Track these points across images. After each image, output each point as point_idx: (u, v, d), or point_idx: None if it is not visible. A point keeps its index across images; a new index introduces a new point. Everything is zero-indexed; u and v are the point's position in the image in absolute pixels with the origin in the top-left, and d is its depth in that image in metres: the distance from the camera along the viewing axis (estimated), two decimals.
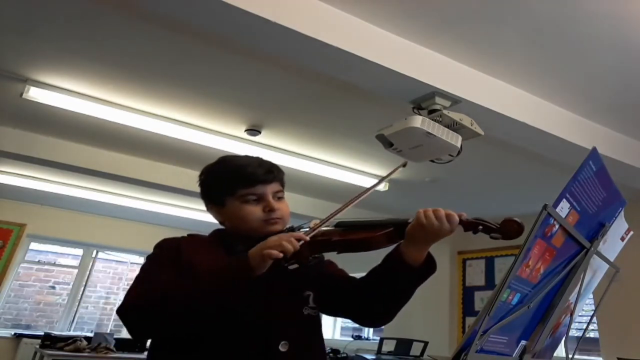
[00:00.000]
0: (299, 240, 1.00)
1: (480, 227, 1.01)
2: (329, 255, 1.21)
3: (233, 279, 0.99)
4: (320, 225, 1.09)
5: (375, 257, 1.15)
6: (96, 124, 3.42)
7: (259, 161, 1.22)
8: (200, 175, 1.25)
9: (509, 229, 0.97)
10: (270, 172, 1.20)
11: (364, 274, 1.20)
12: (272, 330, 1.07)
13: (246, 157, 1.24)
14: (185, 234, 1.25)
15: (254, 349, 1.04)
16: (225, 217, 1.20)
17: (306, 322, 1.15)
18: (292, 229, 1.19)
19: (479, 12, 2.03)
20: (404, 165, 1.30)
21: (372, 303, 1.17)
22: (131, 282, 1.09)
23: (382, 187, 4.24)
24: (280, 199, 1.21)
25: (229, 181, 1.18)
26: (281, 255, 0.97)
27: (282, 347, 1.06)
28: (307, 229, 1.14)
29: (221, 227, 1.25)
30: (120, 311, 1.01)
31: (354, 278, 1.25)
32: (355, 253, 1.11)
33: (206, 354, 1.02)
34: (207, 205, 1.24)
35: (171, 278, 1.05)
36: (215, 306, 0.99)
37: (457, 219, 1.04)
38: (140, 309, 1.00)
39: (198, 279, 1.01)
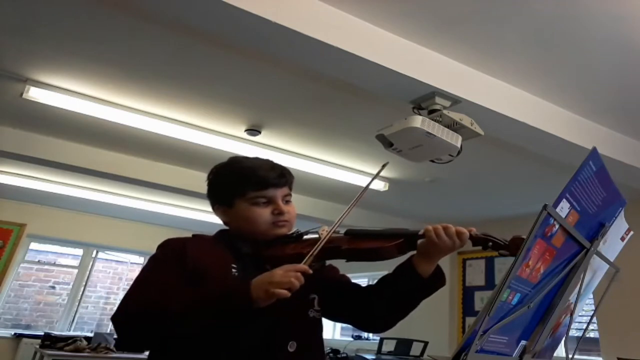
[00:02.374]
0: (304, 273, 0.98)
1: (490, 243, 1.02)
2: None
3: (233, 310, 0.98)
4: (324, 239, 1.08)
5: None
6: (96, 124, 3.42)
7: (270, 164, 1.22)
8: (209, 175, 1.25)
9: (517, 246, 0.96)
10: (283, 176, 1.21)
11: (361, 274, 1.22)
12: (280, 331, 1.08)
13: (257, 159, 1.25)
14: (185, 234, 1.25)
15: (262, 348, 1.05)
16: (231, 218, 1.21)
17: (311, 324, 1.17)
18: (299, 234, 1.19)
19: (479, 12, 2.03)
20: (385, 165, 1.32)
21: (377, 310, 1.19)
22: (131, 283, 1.08)
23: (382, 187, 4.25)
24: (288, 202, 1.22)
25: (239, 182, 1.18)
26: (289, 294, 0.96)
27: (290, 347, 1.08)
28: (316, 236, 1.15)
29: (225, 227, 1.25)
30: (117, 319, 1.01)
31: (358, 284, 1.27)
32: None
33: (214, 352, 1.02)
34: (213, 205, 1.24)
35: (172, 282, 1.05)
36: (215, 327, 1.00)
37: (467, 235, 1.06)
38: (137, 320, 1.00)
39: (198, 301, 1.00)
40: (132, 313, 1.01)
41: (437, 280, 1.15)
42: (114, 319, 1.01)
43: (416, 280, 1.12)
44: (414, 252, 1.14)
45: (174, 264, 1.09)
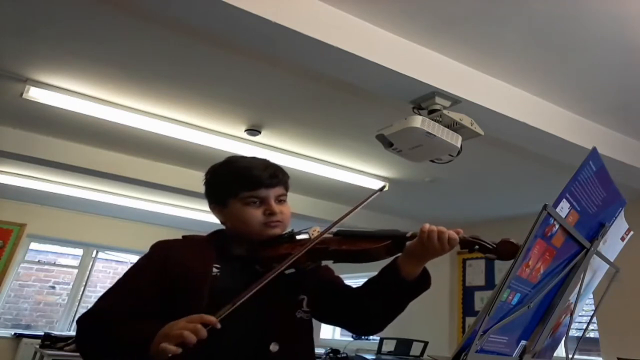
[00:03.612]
0: (208, 325, 0.88)
1: (477, 246, 1.01)
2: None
3: (133, 354, 0.97)
4: (310, 244, 1.08)
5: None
6: (96, 124, 3.42)
7: (264, 164, 1.22)
8: (206, 175, 1.26)
9: (505, 250, 0.96)
10: (275, 176, 1.19)
11: (357, 274, 1.21)
12: (264, 331, 1.08)
13: (252, 159, 1.24)
14: (184, 234, 1.26)
15: (245, 348, 1.05)
16: (227, 217, 1.21)
17: (298, 324, 1.16)
18: (291, 235, 1.19)
19: (479, 12, 2.03)
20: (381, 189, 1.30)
21: (365, 312, 1.18)
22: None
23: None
24: (282, 202, 1.21)
25: (232, 183, 1.18)
26: (180, 350, 0.86)
27: (273, 348, 1.07)
28: (307, 237, 1.15)
29: (222, 227, 1.26)
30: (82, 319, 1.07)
31: (349, 286, 1.26)
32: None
33: (198, 351, 1.01)
34: (210, 204, 1.25)
35: (137, 300, 1.07)
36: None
37: (457, 241, 1.04)
38: (87, 333, 1.06)
39: (116, 340, 1.01)
40: (80, 322, 1.08)
41: (422, 283, 1.12)
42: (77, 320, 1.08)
43: (400, 284, 1.09)
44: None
45: (153, 269, 1.10)
